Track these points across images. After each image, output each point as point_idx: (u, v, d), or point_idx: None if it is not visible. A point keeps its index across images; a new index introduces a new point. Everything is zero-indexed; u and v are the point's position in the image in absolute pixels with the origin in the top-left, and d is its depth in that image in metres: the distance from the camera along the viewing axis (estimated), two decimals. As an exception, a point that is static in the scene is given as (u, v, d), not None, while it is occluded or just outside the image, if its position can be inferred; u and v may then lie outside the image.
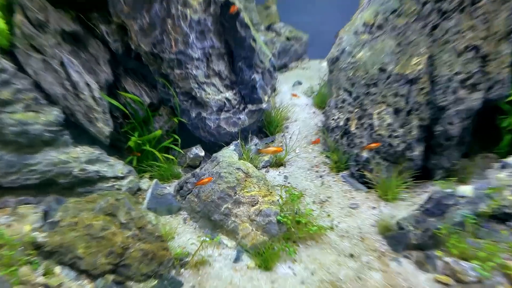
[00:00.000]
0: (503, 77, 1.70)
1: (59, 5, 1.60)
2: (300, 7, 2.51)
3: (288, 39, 2.23)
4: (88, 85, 1.67)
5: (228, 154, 1.71)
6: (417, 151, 1.73)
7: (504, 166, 1.66)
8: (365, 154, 1.78)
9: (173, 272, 1.52)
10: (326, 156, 1.97)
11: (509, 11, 1.71)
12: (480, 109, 1.74)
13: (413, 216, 1.64)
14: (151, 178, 1.86)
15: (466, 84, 1.64)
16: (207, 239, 1.66)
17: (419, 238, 1.57)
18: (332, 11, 2.16)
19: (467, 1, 1.63)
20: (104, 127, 1.70)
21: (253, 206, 1.68)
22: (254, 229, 1.66)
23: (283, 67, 2.33)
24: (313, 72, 2.37)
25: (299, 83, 2.24)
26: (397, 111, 1.72)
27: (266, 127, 2.06)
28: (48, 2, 1.58)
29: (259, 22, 2.19)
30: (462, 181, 1.77)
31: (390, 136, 1.72)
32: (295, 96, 2.19)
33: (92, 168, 1.71)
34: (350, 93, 1.85)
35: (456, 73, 1.65)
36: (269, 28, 2.22)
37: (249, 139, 1.93)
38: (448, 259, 1.47)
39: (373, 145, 1.68)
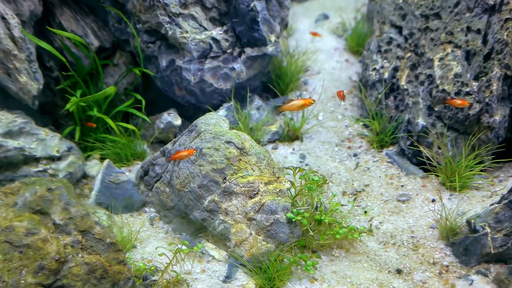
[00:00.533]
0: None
1: None
2: None
3: None
4: (3, 18, 1.74)
5: (214, 121, 1.77)
6: (499, 115, 1.80)
7: None
8: (421, 119, 1.80)
9: None
10: (363, 124, 2.06)
11: None
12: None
13: (492, 213, 1.74)
14: (102, 159, 1.93)
15: None
16: (184, 247, 1.72)
17: (501, 245, 1.65)
18: None
19: None
20: (30, 82, 1.78)
21: (251, 198, 1.78)
22: (253, 232, 1.77)
23: None
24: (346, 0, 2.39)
25: (326, 16, 2.41)
26: (469, 55, 1.78)
27: (274, 82, 2.13)
28: None
29: None
30: None
31: (458, 93, 1.78)
32: (317, 36, 2.26)
33: (12, 143, 1.84)
34: (399, 30, 1.92)
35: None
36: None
37: (249, 100, 2.01)
38: None
39: (458, 101, 1.70)
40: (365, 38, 2.23)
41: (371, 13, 2.10)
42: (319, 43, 2.35)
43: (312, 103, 1.89)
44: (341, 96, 1.94)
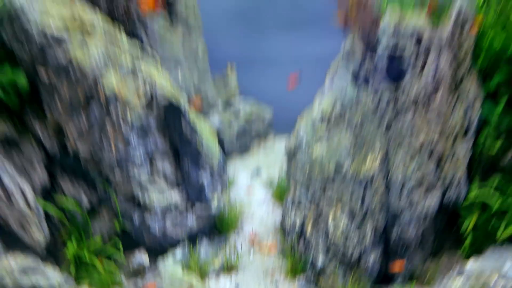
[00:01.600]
0: (458, 177, 2.19)
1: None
2: (263, 74, 3.03)
3: (247, 120, 2.73)
4: (22, 191, 2.09)
5: (170, 266, 2.16)
6: (373, 257, 2.18)
7: (460, 272, 2.09)
8: (320, 259, 2.20)
9: None
10: (282, 259, 2.40)
11: (464, 110, 2.21)
12: (439, 213, 2.21)
13: None
14: (90, 284, 2.22)
15: (421, 186, 2.09)
16: None
17: None
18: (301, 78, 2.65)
19: (421, 100, 2.10)
20: (38, 235, 2.11)
21: None
22: None
23: (243, 149, 2.80)
24: (276, 155, 2.83)
25: (258, 172, 2.70)
26: (352, 214, 2.18)
27: (218, 225, 2.46)
28: None
29: (215, 100, 2.68)
30: (425, 284, 2.22)
31: (345, 242, 2.16)
32: (251, 190, 2.61)
33: (26, 280, 2.12)
34: (307, 190, 2.28)
35: (412, 174, 2.10)
36: (227, 105, 2.71)
37: (198, 242, 2.34)
38: None
39: None
40: (285, 192, 2.51)
41: (289, 174, 2.43)
42: (253, 195, 2.73)
43: None
44: (271, 249, 2.35)
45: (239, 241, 2.40)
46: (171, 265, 2.15)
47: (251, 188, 2.64)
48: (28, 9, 2.04)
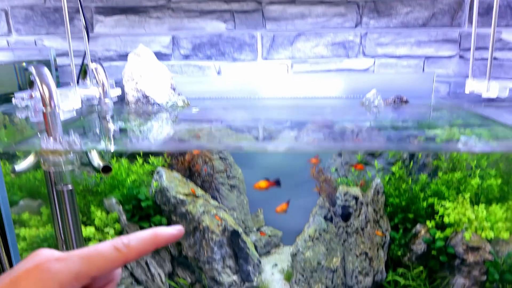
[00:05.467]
0: (381, 269, 2.85)
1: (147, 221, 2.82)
2: (277, 214, 3.76)
3: (269, 236, 3.46)
4: (159, 275, 2.77)
5: None
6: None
7: None
8: None
9: None
10: None
11: (381, 233, 2.94)
12: (372, 286, 2.86)
13: None
14: None
15: (362, 273, 2.77)
16: None
17: None
18: (296, 217, 3.35)
19: (359, 228, 2.82)
20: None
21: None
22: None
23: (267, 253, 3.49)
24: (285, 255, 3.48)
25: (276, 265, 3.29)
26: (327, 287, 2.79)
27: None
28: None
29: (252, 225, 3.44)
30: None
31: None
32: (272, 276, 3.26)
33: None
34: (302, 275, 2.74)
35: (356, 267, 2.79)
36: (258, 229, 3.47)
37: None
38: None
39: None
40: (291, 276, 3.19)
41: (292, 266, 3.09)
42: (273, 277, 3.27)
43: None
44: None
45: None
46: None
47: (272, 274, 3.21)
48: (169, 187, 2.78)
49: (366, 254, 2.84)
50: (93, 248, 0.41)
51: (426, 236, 2.83)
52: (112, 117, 1.77)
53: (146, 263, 2.84)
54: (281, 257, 3.66)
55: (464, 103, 2.21)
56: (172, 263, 3.06)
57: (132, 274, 2.86)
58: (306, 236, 3.15)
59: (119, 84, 1.93)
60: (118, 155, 2.91)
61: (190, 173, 3.28)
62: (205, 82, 2.30)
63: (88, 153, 2.04)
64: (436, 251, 2.81)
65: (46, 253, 0.39)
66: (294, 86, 2.29)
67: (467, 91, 2.15)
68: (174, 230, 0.48)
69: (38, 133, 1.48)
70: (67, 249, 2.08)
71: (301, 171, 3.25)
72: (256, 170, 3.03)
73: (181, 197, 2.86)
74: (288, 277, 3.33)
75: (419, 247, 2.82)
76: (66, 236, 2.11)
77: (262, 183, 2.89)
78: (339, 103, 2.34)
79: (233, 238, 3.00)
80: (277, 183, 2.79)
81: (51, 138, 1.61)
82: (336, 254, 2.90)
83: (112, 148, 1.95)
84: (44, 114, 1.38)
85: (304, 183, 3.17)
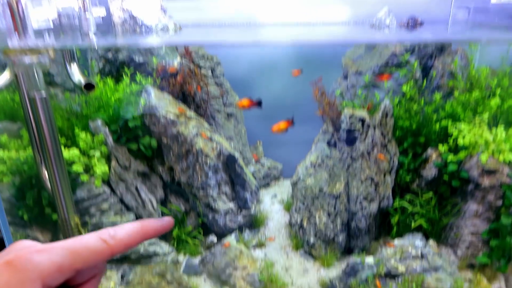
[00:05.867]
0: (388, 194, 2.63)
1: (136, 157, 2.60)
2: (277, 146, 3.52)
3: (269, 168, 3.22)
4: (150, 201, 2.59)
5: (229, 240, 2.59)
6: (341, 237, 2.58)
7: (390, 243, 2.53)
8: (312, 239, 2.62)
9: None
10: (291, 240, 2.75)
11: (388, 159, 2.69)
12: (377, 213, 2.64)
13: (338, 276, 2.38)
14: (184, 254, 2.59)
15: (367, 199, 2.54)
16: None
17: None
18: (297, 149, 3.10)
19: (365, 153, 2.58)
20: None
21: (244, 270, 2.37)
22: (245, 284, 2.32)
23: (266, 185, 3.27)
24: (285, 188, 3.27)
25: (275, 196, 3.12)
26: (329, 214, 2.56)
27: (254, 223, 2.83)
28: (131, 155, 2.56)
29: (251, 157, 3.19)
30: (371, 254, 2.63)
31: (325, 229, 2.54)
32: (272, 206, 3.06)
33: (151, 248, 2.49)
34: (303, 203, 2.64)
35: (361, 193, 2.56)
36: (257, 161, 3.22)
37: (244, 230, 2.77)
38: None
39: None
40: (290, 205, 2.82)
41: (293, 196, 2.75)
42: (273, 207, 3.08)
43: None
44: (271, 239, 2.80)
45: (265, 231, 2.70)
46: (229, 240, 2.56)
47: (271, 204, 3.00)
48: (158, 105, 2.52)
49: (372, 179, 2.59)
50: (78, 239, 0.39)
51: (437, 160, 2.57)
52: (94, 33, 1.59)
53: (137, 189, 2.61)
54: (281, 189, 3.45)
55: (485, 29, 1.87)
56: (164, 190, 2.84)
57: (121, 201, 2.64)
58: (308, 163, 2.91)
59: (103, 3, 1.61)
60: (103, 73, 2.62)
61: (183, 98, 3.00)
62: (199, 9, 1.94)
63: (68, 68, 1.78)
64: (448, 175, 2.55)
65: (27, 244, 0.38)
66: (297, 10, 1.95)
67: (493, 1, 1.85)
68: (163, 222, 0.47)
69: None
70: (47, 169, 1.83)
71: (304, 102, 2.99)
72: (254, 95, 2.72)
73: (172, 117, 2.59)
74: (288, 207, 3.13)
75: (429, 172, 2.56)
76: (45, 154, 1.85)
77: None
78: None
79: (229, 163, 2.76)
80: (259, 103, 2.48)
81: (18, 34, 1.37)
82: (340, 179, 2.66)
83: (92, 43, 1.70)
84: (10, 7, 1.22)
85: (310, 112, 2.98)
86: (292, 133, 2.83)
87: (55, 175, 1.90)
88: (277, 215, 2.99)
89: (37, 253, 0.35)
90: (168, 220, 0.47)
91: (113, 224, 2.34)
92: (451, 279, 2.29)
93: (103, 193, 2.46)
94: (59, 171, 1.88)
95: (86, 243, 0.39)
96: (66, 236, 2.04)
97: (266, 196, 3.20)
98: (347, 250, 2.72)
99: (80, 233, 2.09)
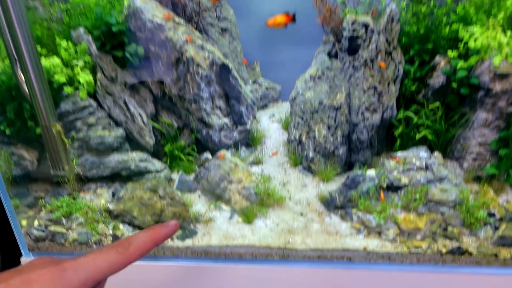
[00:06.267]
0: (392, 104, 2.44)
1: (123, 67, 2.39)
2: (275, 67, 3.29)
3: (266, 88, 3.01)
4: (140, 115, 2.41)
5: (224, 153, 2.43)
6: (341, 150, 2.44)
7: (393, 157, 2.36)
8: (311, 154, 2.45)
9: (192, 225, 1.98)
10: (289, 157, 2.61)
11: (393, 67, 2.47)
12: (380, 125, 2.46)
13: (338, 189, 2.28)
14: (178, 172, 2.45)
15: (369, 109, 2.35)
16: (212, 207, 2.18)
17: (342, 201, 2.13)
18: (296, 68, 2.88)
19: (368, 62, 2.36)
20: (149, 140, 2.39)
21: (239, 184, 2.26)
22: (241, 198, 2.21)
23: (264, 106, 3.08)
24: (283, 109, 3.08)
25: (273, 115, 2.93)
26: (329, 127, 2.41)
27: (251, 141, 2.70)
28: (117, 65, 2.35)
29: (248, 77, 2.99)
30: (372, 167, 2.46)
31: (325, 142, 2.39)
32: (272, 122, 2.89)
33: (142, 164, 2.37)
34: (302, 118, 2.50)
35: (363, 103, 2.37)
36: (254, 82, 3.01)
37: (239, 148, 2.60)
38: (359, 213, 2.00)
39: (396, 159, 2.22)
40: (289, 123, 2.68)
41: (291, 112, 2.60)
42: (270, 125, 2.89)
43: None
44: (275, 153, 2.65)
45: (263, 149, 2.55)
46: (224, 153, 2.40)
47: (269, 123, 2.84)
48: (144, 8, 2.29)
49: (375, 88, 2.39)
50: (98, 254, 0.44)
51: (446, 67, 2.35)
52: None
53: (125, 103, 2.42)
54: (279, 110, 3.26)
55: None
56: (155, 106, 2.65)
57: (109, 115, 2.46)
58: (307, 76, 2.69)
59: None
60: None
61: (173, 9, 2.75)
62: None
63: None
64: (457, 83, 2.34)
65: (57, 260, 0.42)
66: None
67: None
68: (171, 226, 0.53)
69: None
70: (24, 73, 1.63)
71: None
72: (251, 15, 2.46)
73: (159, 21, 2.35)
74: (286, 126, 2.94)
75: (436, 80, 2.35)
76: (20, 58, 1.65)
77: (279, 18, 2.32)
78: None
79: (223, 74, 2.55)
80: (294, 18, 2.24)
81: None
82: (341, 90, 2.46)
83: None
84: None
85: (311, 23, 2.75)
86: (293, 54, 2.70)
87: (32, 80, 1.72)
88: (275, 133, 2.83)
89: (69, 270, 0.40)
90: (175, 224, 0.53)
91: (101, 138, 2.18)
92: (456, 190, 2.14)
93: (89, 106, 2.28)
94: (36, 75, 1.70)
95: (107, 257, 0.43)
96: (50, 146, 1.88)
97: (263, 116, 3.02)
98: (348, 165, 2.56)
99: (63, 142, 1.92)
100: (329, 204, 2.17)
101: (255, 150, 2.73)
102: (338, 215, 2.13)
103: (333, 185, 2.43)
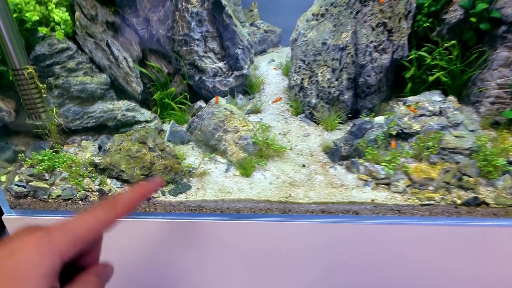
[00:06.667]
0: (403, 43, 2.19)
1: (103, 3, 2.12)
2: (275, 10, 3.01)
3: (265, 31, 2.74)
4: (125, 58, 2.20)
5: (219, 100, 2.21)
6: (347, 95, 2.24)
7: (405, 102, 2.15)
8: (313, 100, 2.23)
9: (185, 179, 1.84)
10: (289, 105, 2.42)
11: (405, 2, 2.19)
12: (390, 66, 2.22)
13: (343, 137, 2.10)
14: (169, 122, 2.28)
15: (378, 49, 2.12)
16: (207, 159, 2.03)
17: (347, 151, 1.96)
18: (298, 10, 2.61)
19: None
20: (136, 87, 2.21)
21: (236, 133, 2.07)
22: (237, 149, 2.05)
23: (263, 52, 2.83)
24: (284, 54, 2.84)
25: (273, 60, 2.70)
26: (333, 70, 2.21)
27: (248, 88, 2.50)
28: (97, 1, 2.09)
29: (245, 20, 2.70)
30: (381, 114, 2.25)
31: (329, 87, 2.20)
32: (274, 70, 2.66)
33: (129, 114, 2.20)
34: (303, 61, 2.30)
35: (371, 41, 2.12)
36: (252, 24, 2.74)
37: (236, 95, 2.38)
38: (366, 163, 1.84)
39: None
40: (289, 68, 2.48)
41: (292, 56, 2.43)
42: (270, 71, 2.68)
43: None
44: (278, 99, 2.43)
45: (262, 96, 2.35)
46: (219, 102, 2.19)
47: (276, 68, 2.61)
48: None
49: (385, 25, 2.12)
50: (85, 213, 0.44)
51: (464, 0, 2.06)
52: None
53: (108, 45, 2.16)
54: (280, 55, 3.00)
55: None
56: (143, 50, 2.40)
57: (91, 60, 2.21)
58: (309, 15, 2.41)
59: None
60: None
61: None
62: None
63: None
64: (476, 17, 2.06)
65: (44, 227, 0.41)
66: None
67: None
68: (156, 181, 0.55)
69: None
70: None
71: None
72: None
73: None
74: (287, 72, 2.70)
75: (453, 14, 2.08)
76: None
77: None
78: None
79: (216, 13, 2.27)
80: None
81: None
82: (346, 28, 2.18)
83: None
84: None
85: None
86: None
87: (-2, 19, 1.47)
88: (274, 79, 2.61)
89: (55, 232, 0.40)
90: (159, 179, 0.58)
91: (83, 84, 1.96)
92: (472, 136, 1.94)
93: (68, 48, 2.04)
94: (1, 12, 1.45)
95: (94, 215, 0.44)
96: (23, 91, 1.64)
97: (262, 62, 2.77)
98: (354, 112, 2.34)
99: (38, 87, 1.69)
100: (334, 154, 2.00)
101: (253, 98, 2.51)
102: (344, 166, 1.96)
103: (338, 134, 2.24)
